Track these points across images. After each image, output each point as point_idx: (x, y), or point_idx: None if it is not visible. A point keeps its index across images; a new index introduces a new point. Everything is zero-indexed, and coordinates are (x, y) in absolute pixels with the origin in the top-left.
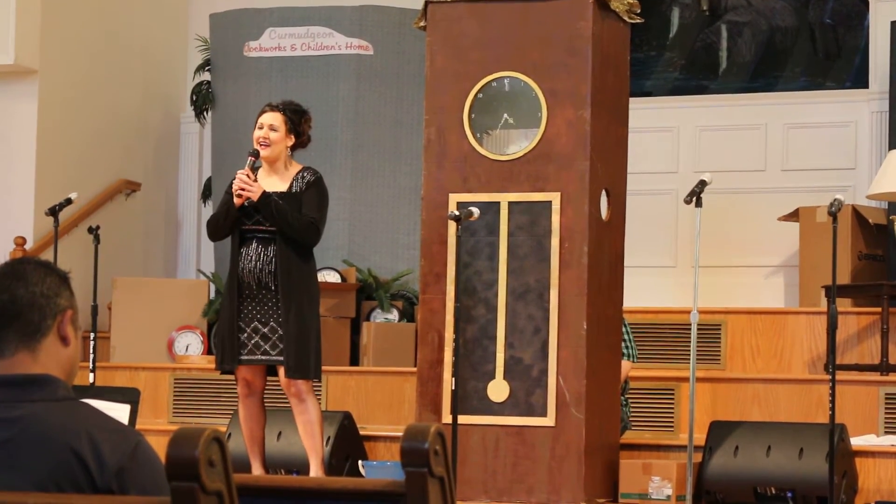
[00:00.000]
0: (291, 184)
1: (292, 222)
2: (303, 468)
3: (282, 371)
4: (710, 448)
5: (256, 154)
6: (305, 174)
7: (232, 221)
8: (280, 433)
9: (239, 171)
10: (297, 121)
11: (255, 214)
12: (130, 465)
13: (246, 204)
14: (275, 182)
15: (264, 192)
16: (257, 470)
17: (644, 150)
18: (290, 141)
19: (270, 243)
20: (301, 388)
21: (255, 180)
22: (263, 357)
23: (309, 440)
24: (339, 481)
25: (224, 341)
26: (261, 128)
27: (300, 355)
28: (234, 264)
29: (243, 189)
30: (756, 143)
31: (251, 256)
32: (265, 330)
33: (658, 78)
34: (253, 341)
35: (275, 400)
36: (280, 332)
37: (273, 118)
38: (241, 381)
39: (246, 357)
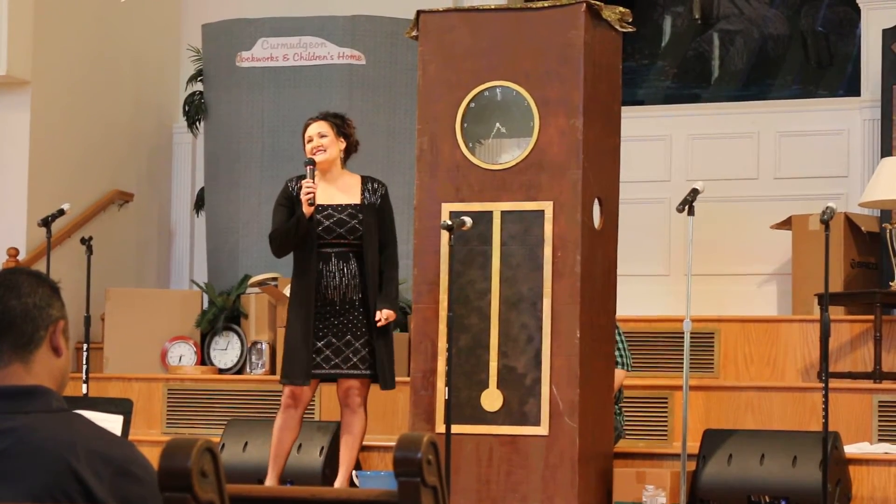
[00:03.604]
0: (363, 195)
1: (397, 287)
2: (297, 479)
3: (344, 382)
4: (704, 456)
5: (313, 161)
6: (375, 186)
7: (304, 233)
8: None
9: (304, 183)
10: (341, 124)
11: (337, 229)
12: (124, 477)
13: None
14: (334, 193)
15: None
16: (272, 481)
17: (637, 158)
18: (342, 144)
19: (350, 258)
20: (357, 402)
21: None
22: (334, 371)
23: (347, 453)
24: (333, 491)
25: (296, 355)
26: (310, 140)
27: (389, 366)
28: (311, 279)
29: (309, 197)
30: (748, 152)
31: (333, 273)
32: (339, 343)
33: (650, 86)
34: (322, 356)
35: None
36: (355, 345)
37: (319, 126)
38: (290, 393)
39: (316, 372)
